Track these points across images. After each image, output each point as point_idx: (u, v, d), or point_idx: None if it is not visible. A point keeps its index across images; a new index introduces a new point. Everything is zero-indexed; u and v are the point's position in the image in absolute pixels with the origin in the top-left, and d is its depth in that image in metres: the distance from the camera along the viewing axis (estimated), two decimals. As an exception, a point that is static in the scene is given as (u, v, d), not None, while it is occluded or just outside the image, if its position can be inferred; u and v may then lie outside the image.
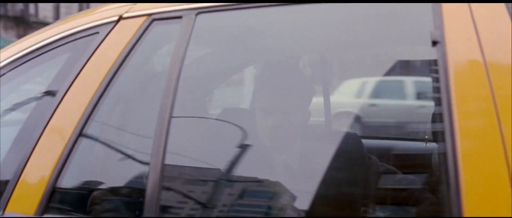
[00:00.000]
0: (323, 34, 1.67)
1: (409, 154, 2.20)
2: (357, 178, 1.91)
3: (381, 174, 1.99)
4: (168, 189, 1.35)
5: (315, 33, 1.65)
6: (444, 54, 1.19)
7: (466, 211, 1.06)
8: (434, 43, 1.22)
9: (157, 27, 1.45)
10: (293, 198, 1.86)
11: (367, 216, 1.88)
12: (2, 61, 1.56)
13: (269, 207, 1.75)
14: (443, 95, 1.15)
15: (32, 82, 1.60)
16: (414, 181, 1.92)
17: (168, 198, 1.35)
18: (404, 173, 1.97)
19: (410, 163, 1.96)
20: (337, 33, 1.66)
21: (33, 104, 1.49)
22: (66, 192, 1.38)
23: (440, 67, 1.18)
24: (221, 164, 1.52)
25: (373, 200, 1.95)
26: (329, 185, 1.80)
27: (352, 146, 1.96)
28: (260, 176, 1.75)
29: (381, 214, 1.91)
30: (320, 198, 1.75)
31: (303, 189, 1.90)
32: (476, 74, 1.15)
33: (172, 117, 1.31)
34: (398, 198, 1.91)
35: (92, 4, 13.37)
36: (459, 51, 1.19)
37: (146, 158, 1.31)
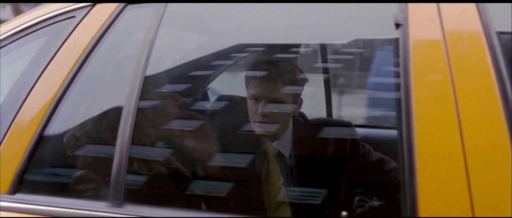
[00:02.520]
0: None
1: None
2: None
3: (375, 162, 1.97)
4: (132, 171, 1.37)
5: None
6: (406, 36, 1.16)
7: (420, 197, 1.05)
8: (398, 25, 1.19)
9: (131, 11, 1.46)
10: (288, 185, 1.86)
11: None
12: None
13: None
14: (402, 80, 1.13)
15: (12, 66, 1.63)
16: None
17: (133, 178, 1.37)
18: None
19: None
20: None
21: (10, 87, 1.52)
22: (37, 174, 1.41)
23: (401, 50, 1.16)
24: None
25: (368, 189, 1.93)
26: (324, 174, 1.79)
27: (346, 134, 1.95)
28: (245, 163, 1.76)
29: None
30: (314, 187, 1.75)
31: (295, 177, 1.90)
32: (437, 58, 1.13)
33: (139, 100, 1.32)
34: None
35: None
36: (422, 34, 1.17)
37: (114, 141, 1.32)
